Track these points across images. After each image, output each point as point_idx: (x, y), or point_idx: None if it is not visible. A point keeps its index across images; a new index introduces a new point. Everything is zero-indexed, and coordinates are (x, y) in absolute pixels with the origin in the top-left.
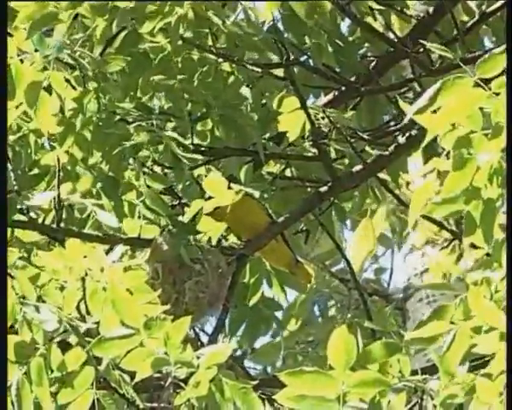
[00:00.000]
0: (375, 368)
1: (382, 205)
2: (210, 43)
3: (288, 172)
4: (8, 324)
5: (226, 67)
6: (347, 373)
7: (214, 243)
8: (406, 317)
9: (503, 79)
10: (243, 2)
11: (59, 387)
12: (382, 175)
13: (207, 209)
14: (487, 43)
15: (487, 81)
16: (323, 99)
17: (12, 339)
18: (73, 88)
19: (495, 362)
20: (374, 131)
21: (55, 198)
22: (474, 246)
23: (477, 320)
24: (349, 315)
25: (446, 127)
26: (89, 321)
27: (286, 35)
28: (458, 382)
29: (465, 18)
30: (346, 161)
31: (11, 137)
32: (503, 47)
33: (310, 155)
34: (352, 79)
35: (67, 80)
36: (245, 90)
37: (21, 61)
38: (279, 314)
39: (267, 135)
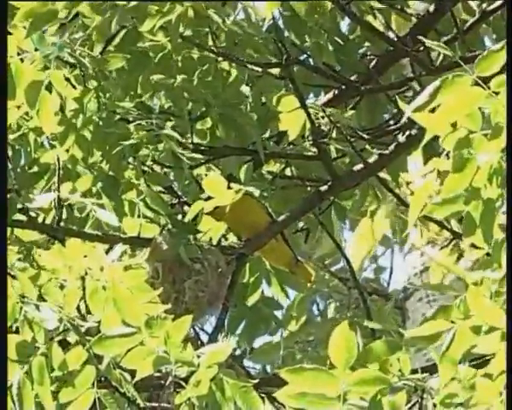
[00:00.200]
0: (376, 367)
1: (383, 204)
2: (210, 42)
3: (287, 172)
4: (9, 323)
5: (226, 66)
6: (348, 371)
7: (214, 242)
8: (406, 316)
9: (503, 77)
10: (243, 2)
11: (60, 386)
12: (382, 174)
13: (207, 209)
14: (487, 43)
15: (486, 80)
16: (323, 98)
17: (13, 338)
18: (73, 87)
19: (495, 362)
20: (374, 131)
21: (54, 198)
22: (474, 246)
23: (476, 320)
24: (349, 315)
25: (445, 126)
26: (89, 320)
27: (286, 34)
28: (459, 379)
29: (465, 17)
30: (346, 160)
31: (11, 136)
32: (502, 43)
33: (310, 154)
34: (352, 78)
35: (67, 79)
36: (245, 89)
37: (21, 60)
38: (278, 314)
39: (267, 134)
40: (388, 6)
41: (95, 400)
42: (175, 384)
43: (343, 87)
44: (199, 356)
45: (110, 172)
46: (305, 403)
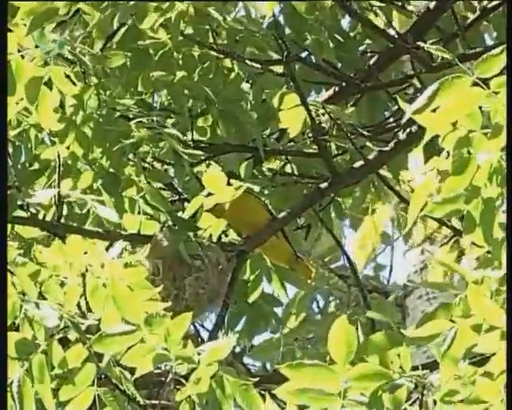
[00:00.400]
0: (376, 360)
1: (384, 202)
2: (210, 39)
3: (288, 169)
4: (9, 321)
5: (227, 63)
6: (348, 366)
7: (214, 239)
8: (406, 314)
9: (503, 78)
10: (244, 1)
11: (60, 384)
12: (383, 172)
13: (207, 206)
14: (488, 40)
15: (486, 80)
16: (324, 95)
17: (13, 336)
18: (73, 84)
19: (495, 361)
20: (374, 128)
21: (55, 194)
22: (475, 244)
23: (477, 319)
24: (348, 312)
25: (445, 127)
26: (89, 318)
27: (286, 31)
28: (459, 376)
29: (466, 14)
30: (347, 157)
31: (11, 132)
32: (502, 47)
33: (310, 151)
34: (353, 75)
35: (67, 76)
36: (245, 87)
37: (22, 56)
38: (278, 311)
39: (267, 131)
40: (389, 3)
41: (95, 397)
42: (175, 382)
43: (343, 84)
44: (199, 353)
45: (110, 169)
46: (306, 399)
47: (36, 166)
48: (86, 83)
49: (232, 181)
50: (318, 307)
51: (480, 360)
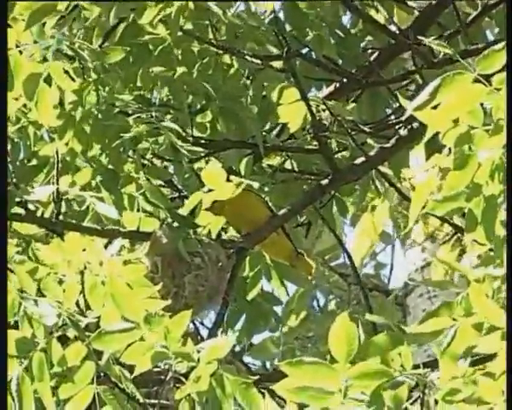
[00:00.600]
0: (377, 361)
1: (385, 199)
2: (210, 34)
3: (288, 165)
4: (9, 318)
5: (226, 59)
6: (348, 365)
7: (213, 236)
8: (407, 312)
9: (504, 74)
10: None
11: (59, 382)
12: (384, 169)
13: (206, 203)
14: (490, 36)
15: (488, 76)
16: (324, 91)
17: (12, 334)
18: (72, 80)
19: (497, 361)
20: (375, 124)
21: (53, 191)
22: (477, 241)
23: (479, 317)
24: (349, 310)
25: (447, 123)
26: (88, 316)
27: (287, 27)
28: (461, 374)
29: (468, 10)
30: (348, 153)
31: (10, 129)
32: (503, 44)
33: (310, 147)
34: (354, 71)
35: (66, 72)
36: (245, 82)
37: (20, 52)
38: (278, 309)
39: (267, 127)
40: None
41: (94, 396)
42: (175, 380)
43: (344, 80)
44: (199, 351)
45: (109, 166)
46: (306, 397)
47: (34, 162)
48: (85, 79)
49: (232, 178)
50: (318, 305)
51: (481, 359)
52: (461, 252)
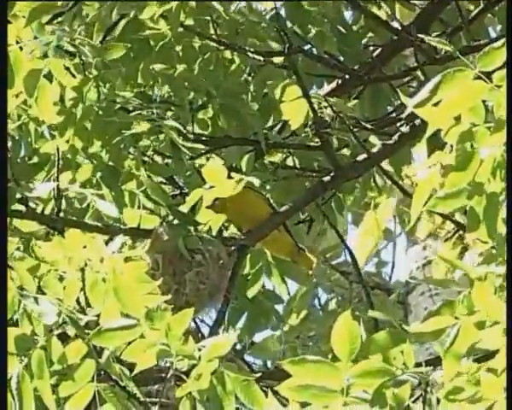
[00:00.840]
0: (379, 359)
1: (388, 197)
2: (211, 30)
3: (289, 162)
4: (8, 316)
5: (228, 55)
6: (351, 363)
7: (214, 233)
8: (408, 311)
9: (505, 71)
10: None
11: (59, 380)
12: (386, 166)
13: (207, 201)
14: (492, 33)
15: (489, 73)
16: (326, 88)
17: (12, 331)
18: (73, 76)
19: (499, 358)
20: (377, 121)
21: (54, 188)
22: (479, 239)
23: (481, 316)
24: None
25: (448, 120)
26: (89, 313)
27: (288, 23)
28: (463, 372)
29: (470, 6)
30: (349, 150)
31: (11, 126)
32: (503, 40)
33: (312, 144)
34: (356, 67)
35: (67, 68)
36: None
37: (21, 48)
38: (279, 308)
39: (269, 124)
40: None
41: (94, 394)
42: (176, 378)
43: (346, 77)
44: (200, 349)
45: (110, 163)
46: (308, 396)
47: (35, 159)
48: (86, 75)
49: (233, 174)
50: (320, 303)
51: (483, 357)
52: (463, 250)
